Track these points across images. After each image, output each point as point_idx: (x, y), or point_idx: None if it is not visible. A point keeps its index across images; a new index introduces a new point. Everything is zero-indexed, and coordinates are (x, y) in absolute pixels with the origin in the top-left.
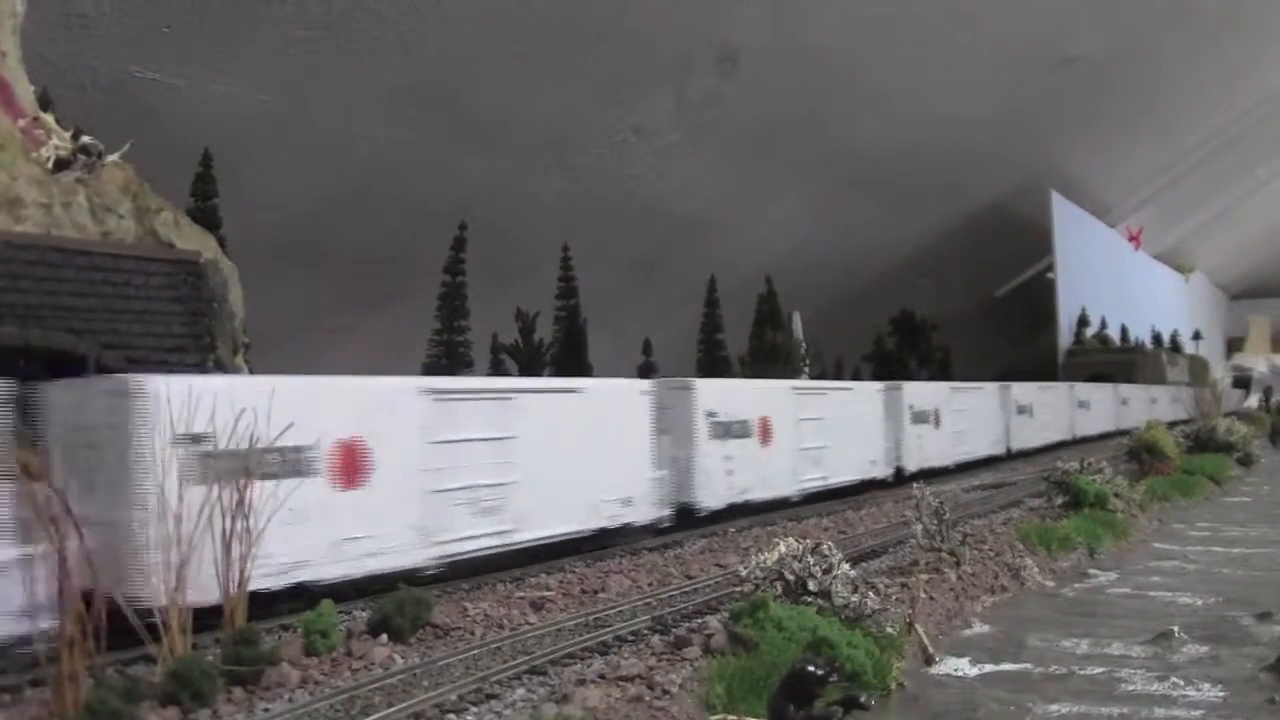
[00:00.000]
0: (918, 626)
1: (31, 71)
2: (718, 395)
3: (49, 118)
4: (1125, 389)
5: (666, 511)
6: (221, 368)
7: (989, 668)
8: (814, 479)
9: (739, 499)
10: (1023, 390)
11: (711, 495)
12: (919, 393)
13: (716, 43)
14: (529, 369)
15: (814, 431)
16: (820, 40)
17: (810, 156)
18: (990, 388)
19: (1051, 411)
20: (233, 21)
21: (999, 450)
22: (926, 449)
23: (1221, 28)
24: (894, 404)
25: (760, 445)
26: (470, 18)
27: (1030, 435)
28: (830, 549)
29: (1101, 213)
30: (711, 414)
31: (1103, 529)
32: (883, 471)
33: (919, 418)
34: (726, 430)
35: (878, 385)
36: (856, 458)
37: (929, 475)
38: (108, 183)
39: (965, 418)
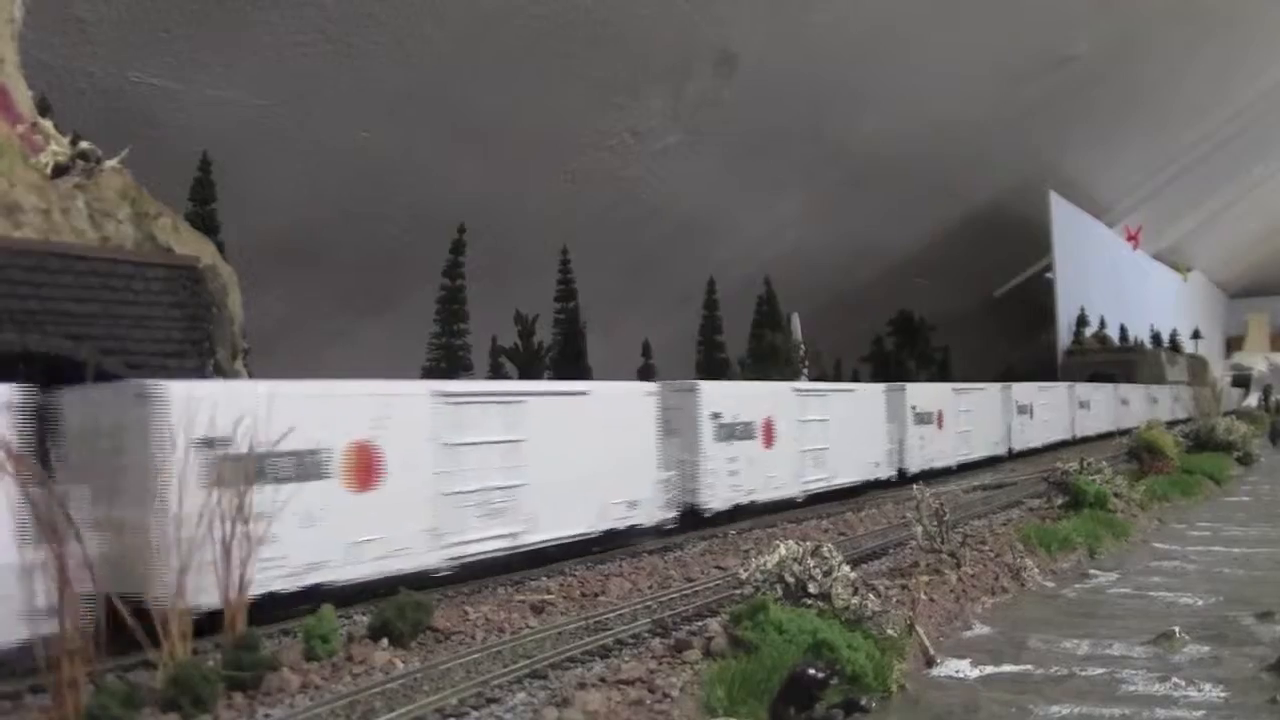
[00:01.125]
0: (918, 628)
1: (30, 77)
2: (722, 397)
3: (47, 123)
4: (1125, 389)
5: (672, 513)
6: (221, 372)
7: (990, 669)
8: (817, 480)
9: (744, 500)
10: (1023, 390)
11: (716, 497)
12: (921, 394)
13: (714, 45)
14: (528, 372)
15: (817, 433)
16: (818, 42)
17: (808, 158)
18: (992, 388)
19: (1051, 411)
20: (230, 26)
21: (1001, 451)
22: (929, 450)
23: (1218, 26)
24: (897, 405)
25: (764, 447)
26: (468, 21)
27: (1031, 435)
28: (830, 551)
29: (1100, 212)
30: (716, 416)
31: (1103, 529)
32: (885, 472)
33: (922, 419)
34: (731, 432)
35: (880, 386)
36: (859, 459)
37: (932, 476)
38: (106, 188)
39: (968, 418)
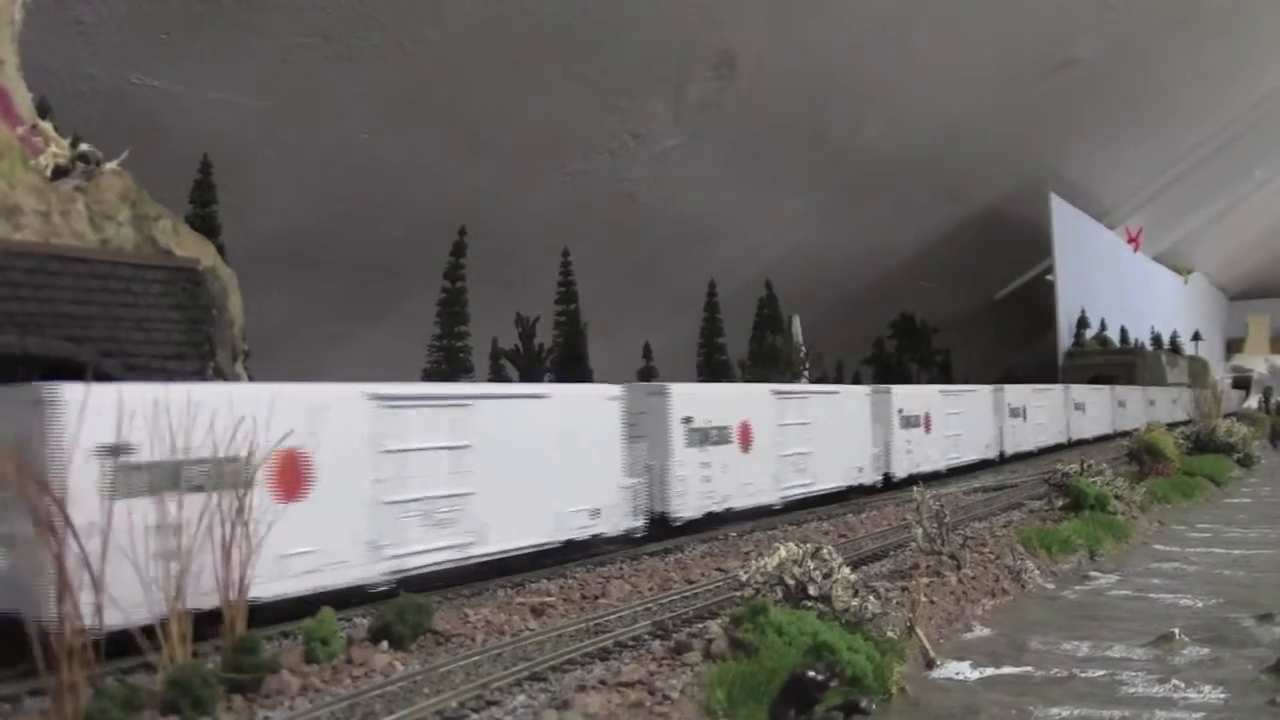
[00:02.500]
0: (918, 630)
1: (30, 79)
2: (694, 400)
3: (47, 125)
4: (1122, 391)
5: (639, 522)
6: (221, 375)
7: (990, 671)
8: (797, 486)
9: (718, 508)
10: (1015, 393)
11: (687, 505)
12: (908, 397)
13: (715, 47)
14: (529, 374)
15: (797, 437)
16: (818, 44)
17: (809, 160)
18: (983, 390)
19: (1046, 414)
20: (231, 29)
21: (992, 454)
22: (916, 454)
23: (1219, 29)
24: (882, 408)
25: (741, 452)
26: (468, 24)
27: (1024, 438)
28: (830, 553)
29: (1100, 215)
30: (688, 420)
31: (1103, 531)
32: (870, 478)
33: (908, 422)
34: (704, 437)
35: (865, 389)
36: (843, 464)
37: (918, 481)
38: (106, 190)
39: (957, 421)
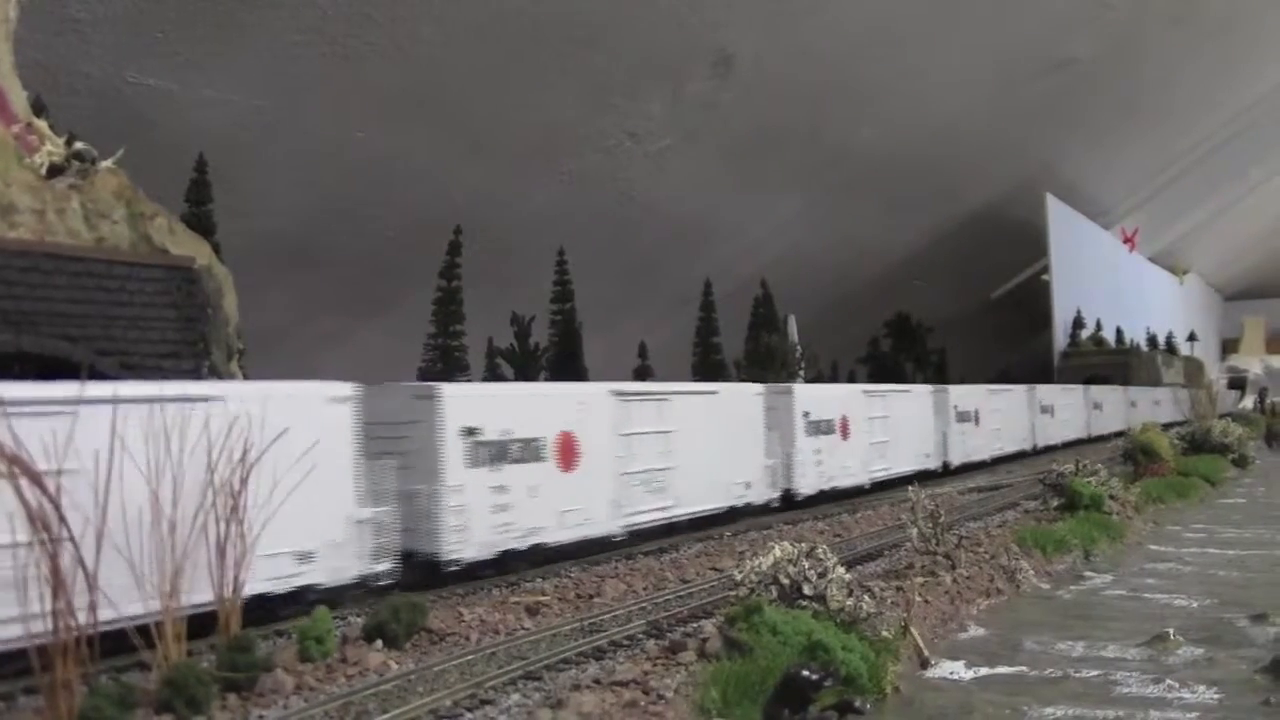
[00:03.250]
0: (913, 630)
1: (25, 77)
2: (810, 398)
3: (42, 124)
4: (1099, 391)
5: (777, 494)
6: (215, 373)
7: (984, 671)
8: (881, 469)
9: (827, 485)
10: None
11: (807, 483)
12: (962, 394)
13: (711, 47)
14: (524, 373)
15: (880, 428)
16: (815, 44)
17: (805, 160)
18: (920, 391)
19: (1005, 418)
20: (226, 27)
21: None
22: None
23: (1215, 30)
24: (942, 405)
25: (841, 440)
26: (465, 23)
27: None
28: (825, 553)
29: (1096, 215)
30: (807, 413)
31: (1098, 531)
32: (934, 464)
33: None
34: (818, 428)
35: (929, 388)
36: (913, 451)
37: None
38: (101, 189)
39: (885, 427)
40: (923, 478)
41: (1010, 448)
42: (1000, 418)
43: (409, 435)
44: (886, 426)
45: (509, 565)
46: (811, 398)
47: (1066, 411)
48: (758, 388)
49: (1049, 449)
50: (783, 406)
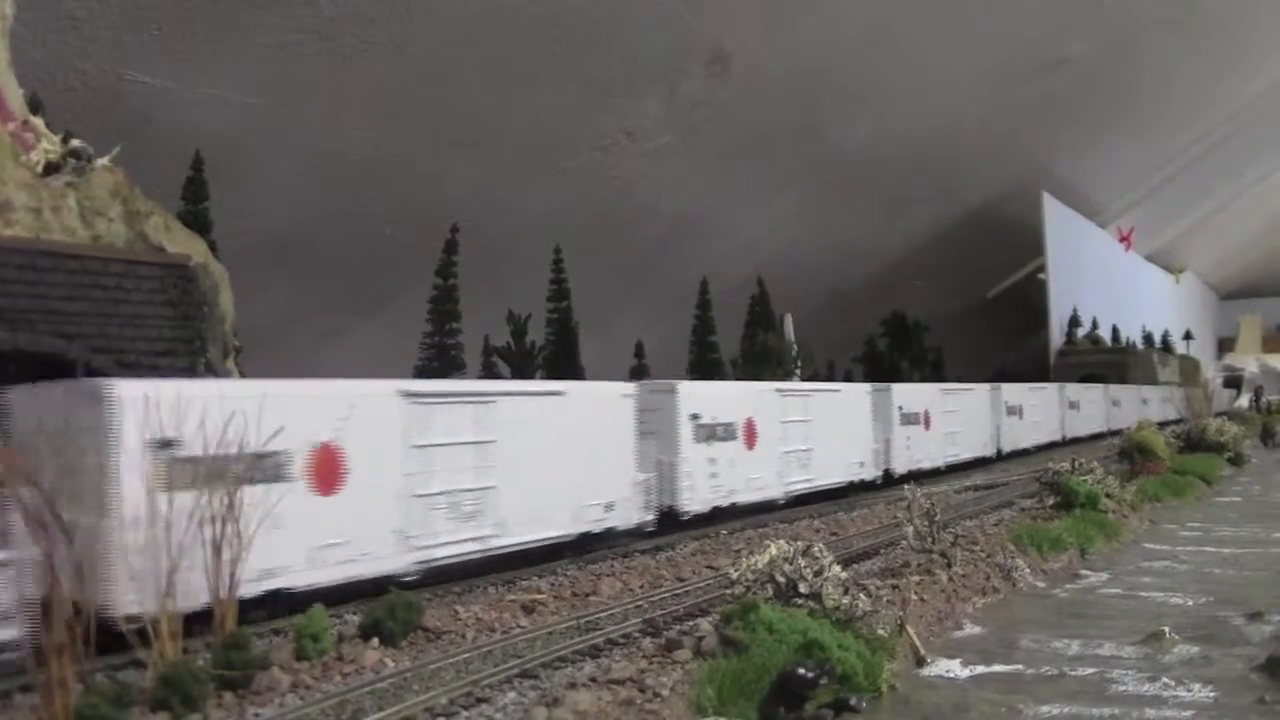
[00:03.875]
0: (909, 628)
1: (21, 75)
2: (701, 398)
3: (39, 121)
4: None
5: (650, 515)
6: (212, 371)
7: (980, 669)
8: (800, 481)
9: (724, 501)
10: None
11: (695, 499)
12: (908, 394)
13: (708, 45)
14: (521, 372)
15: (800, 434)
16: (812, 43)
17: (802, 159)
18: (855, 391)
19: (965, 420)
20: (224, 24)
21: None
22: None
23: (1211, 29)
24: (883, 406)
25: (746, 448)
26: (461, 20)
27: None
28: (821, 551)
29: (1092, 214)
30: (695, 416)
31: (1094, 529)
32: (871, 473)
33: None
34: (712, 433)
35: (866, 387)
36: (844, 460)
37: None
38: (98, 186)
39: (804, 432)
40: (859, 489)
41: (967, 454)
42: (957, 420)
43: (651, 420)
44: (808, 432)
45: (717, 518)
46: (703, 398)
47: (1038, 413)
48: (866, 387)
49: (1018, 453)
50: (882, 402)
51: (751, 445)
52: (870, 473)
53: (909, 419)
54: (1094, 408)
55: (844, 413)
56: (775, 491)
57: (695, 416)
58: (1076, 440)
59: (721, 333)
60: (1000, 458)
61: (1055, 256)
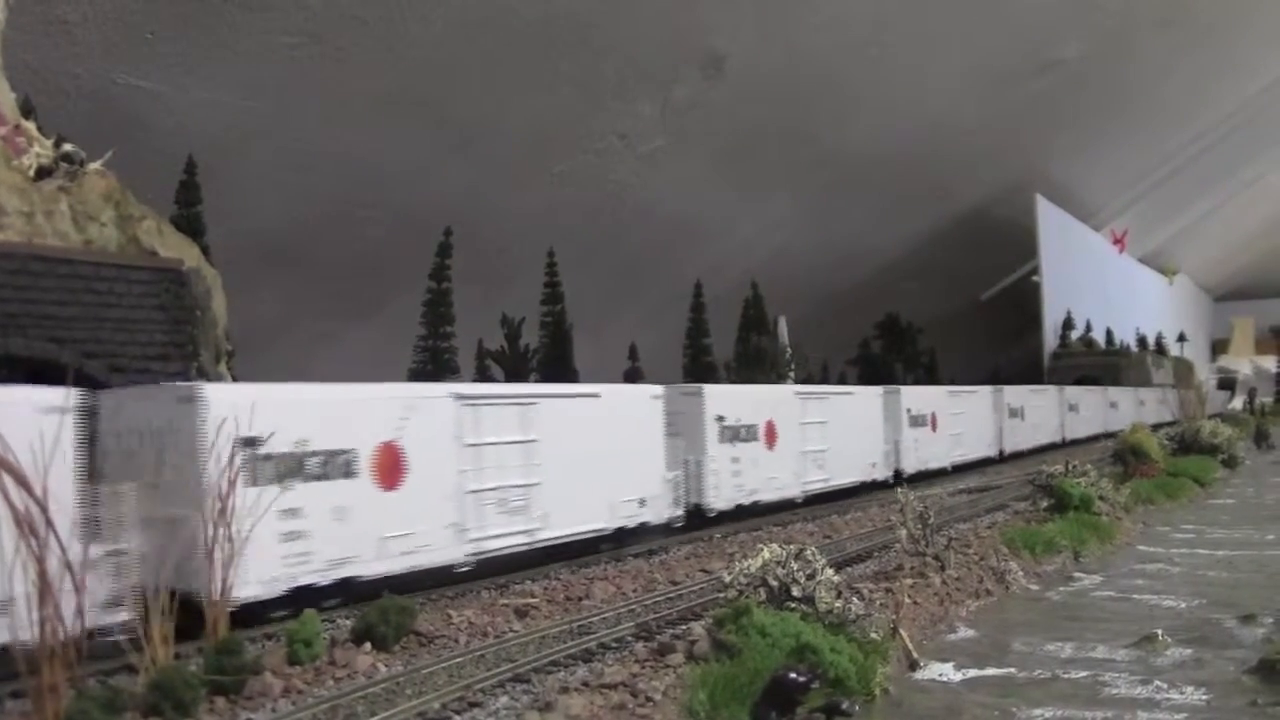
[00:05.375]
0: (902, 632)
1: (13, 79)
2: (725, 399)
3: (31, 125)
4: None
5: (679, 511)
6: (204, 375)
7: (973, 672)
8: (817, 481)
9: (746, 500)
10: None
11: (721, 497)
12: (917, 397)
13: (702, 49)
14: (515, 375)
15: (817, 435)
16: (805, 46)
17: (795, 161)
18: (984, 390)
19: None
20: (216, 28)
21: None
22: (923, 451)
23: (1204, 31)
24: (893, 408)
25: (766, 448)
26: (455, 23)
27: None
28: (814, 554)
29: (1086, 216)
30: (720, 418)
31: (1088, 532)
32: (883, 473)
33: (917, 421)
34: (735, 434)
35: (877, 389)
36: (858, 460)
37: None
38: (90, 191)
39: (962, 421)
40: (871, 489)
41: (972, 455)
42: (962, 421)
43: (679, 421)
44: (825, 433)
45: (741, 515)
46: (727, 400)
47: (1038, 415)
48: (877, 390)
49: (1017, 455)
50: (892, 404)
51: (772, 445)
52: (882, 472)
53: (917, 421)
54: (1093, 410)
55: (857, 415)
56: (794, 490)
57: (720, 418)
58: (1075, 442)
59: (715, 335)
60: (1003, 458)
61: (1049, 259)
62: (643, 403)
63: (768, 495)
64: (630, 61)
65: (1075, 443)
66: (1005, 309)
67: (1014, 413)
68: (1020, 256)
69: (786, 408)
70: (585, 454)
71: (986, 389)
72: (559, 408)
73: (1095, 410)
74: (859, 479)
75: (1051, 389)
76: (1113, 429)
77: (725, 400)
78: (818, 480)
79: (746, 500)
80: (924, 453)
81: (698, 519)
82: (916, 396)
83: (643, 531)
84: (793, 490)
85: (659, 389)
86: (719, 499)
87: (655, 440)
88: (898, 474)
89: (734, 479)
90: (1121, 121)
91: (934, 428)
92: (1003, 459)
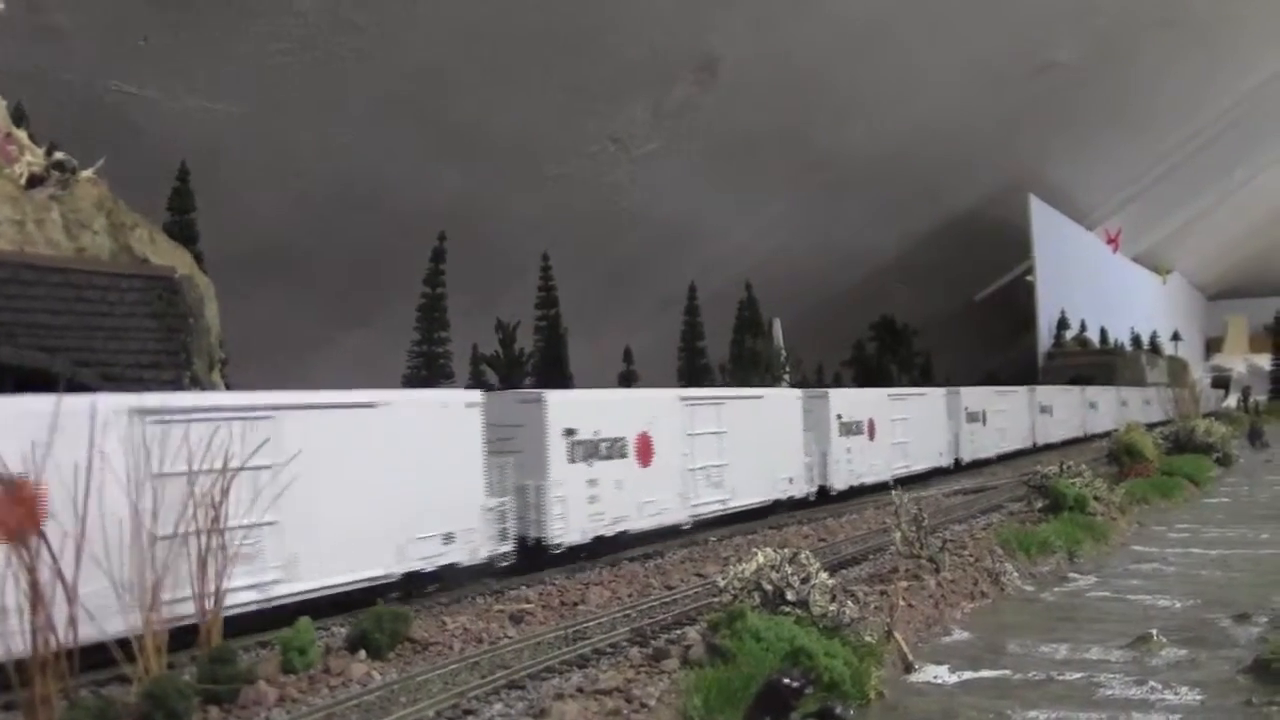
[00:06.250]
0: (897, 634)
1: (5, 86)
2: (577, 410)
3: (22, 133)
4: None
5: (505, 547)
6: (197, 384)
7: (968, 675)
8: (711, 502)
9: (607, 531)
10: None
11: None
12: (849, 401)
13: (695, 52)
14: (510, 380)
15: (711, 448)
16: (799, 48)
17: (789, 163)
18: (935, 393)
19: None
20: (209, 34)
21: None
22: (858, 463)
23: (1198, 31)
24: (818, 414)
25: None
26: (447, 28)
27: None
28: (808, 558)
29: (1079, 216)
30: (570, 432)
31: (1082, 532)
32: (802, 490)
33: (849, 429)
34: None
35: (796, 392)
36: (767, 476)
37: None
38: (82, 199)
39: (906, 427)
40: (788, 508)
41: (920, 465)
42: (908, 428)
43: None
44: (722, 445)
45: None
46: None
47: (1004, 419)
48: (796, 393)
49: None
50: (817, 410)
51: (646, 463)
52: (801, 489)
53: (850, 429)
54: (1069, 412)
55: (768, 423)
56: (679, 515)
57: (839, 416)
58: (1049, 447)
59: (710, 338)
60: (959, 468)
61: (1043, 259)
62: (451, 413)
63: (640, 524)
64: (623, 65)
65: (1049, 448)
66: (1000, 309)
67: (974, 417)
68: (1014, 257)
69: (668, 417)
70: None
71: (938, 391)
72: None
73: (1072, 412)
74: (769, 498)
75: (1021, 389)
76: (1093, 431)
77: (575, 409)
78: (712, 502)
79: (608, 531)
80: (859, 465)
81: (537, 556)
82: (849, 401)
83: (450, 575)
84: (677, 515)
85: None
86: (568, 531)
87: (470, 461)
88: (823, 490)
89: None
90: (1115, 122)
91: (872, 436)
92: (959, 468)
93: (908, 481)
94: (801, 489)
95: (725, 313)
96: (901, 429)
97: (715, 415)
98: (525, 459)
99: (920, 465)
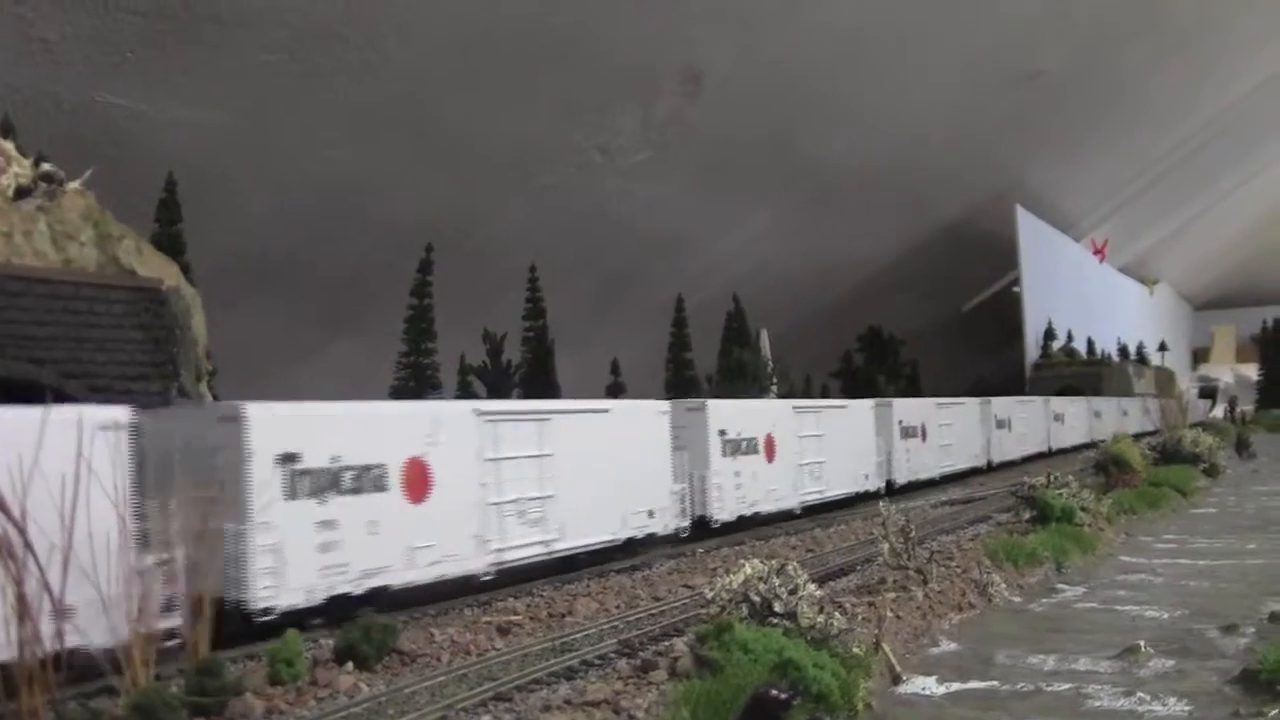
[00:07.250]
0: (885, 646)
1: None
2: (728, 415)
3: (9, 145)
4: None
5: (686, 522)
6: (184, 395)
7: (956, 686)
8: (813, 492)
9: (748, 511)
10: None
11: (724, 509)
12: (908, 409)
13: (682, 62)
14: (497, 390)
15: (813, 448)
16: (786, 58)
17: (776, 174)
18: (972, 402)
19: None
20: (196, 46)
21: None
22: (914, 462)
23: (1183, 41)
24: (885, 420)
25: (766, 461)
26: (434, 39)
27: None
28: (796, 569)
29: (1066, 226)
30: (723, 432)
31: (1070, 543)
32: (875, 484)
33: (908, 432)
34: (736, 448)
35: (870, 402)
36: (851, 472)
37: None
38: (69, 210)
39: (951, 432)
40: (864, 500)
41: (961, 465)
42: (952, 433)
43: (682, 435)
44: (821, 446)
45: (743, 525)
46: (729, 414)
47: (1025, 425)
48: (870, 402)
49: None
50: (884, 416)
51: (771, 459)
52: (875, 483)
53: (908, 432)
54: (1078, 420)
55: (851, 427)
56: (792, 502)
57: (722, 432)
58: (1062, 451)
59: (697, 349)
60: (991, 468)
61: (1029, 269)
62: (650, 418)
63: (767, 506)
64: (610, 76)
65: (1062, 452)
66: (987, 320)
67: (1001, 424)
68: (1001, 267)
69: (785, 421)
70: (595, 467)
71: (974, 401)
72: (571, 423)
73: (1080, 420)
74: (853, 490)
75: (1038, 400)
76: (1098, 438)
77: (725, 414)
78: (814, 492)
79: (748, 511)
80: (915, 464)
81: (701, 530)
82: (908, 409)
83: (651, 542)
84: (791, 501)
85: (665, 405)
86: (723, 510)
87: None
88: (889, 484)
89: (736, 491)
90: (1102, 131)
91: (924, 439)
92: (991, 469)
93: (952, 479)
94: (875, 483)
95: (713, 324)
96: (948, 433)
97: (815, 421)
98: (693, 454)
99: (961, 465)
